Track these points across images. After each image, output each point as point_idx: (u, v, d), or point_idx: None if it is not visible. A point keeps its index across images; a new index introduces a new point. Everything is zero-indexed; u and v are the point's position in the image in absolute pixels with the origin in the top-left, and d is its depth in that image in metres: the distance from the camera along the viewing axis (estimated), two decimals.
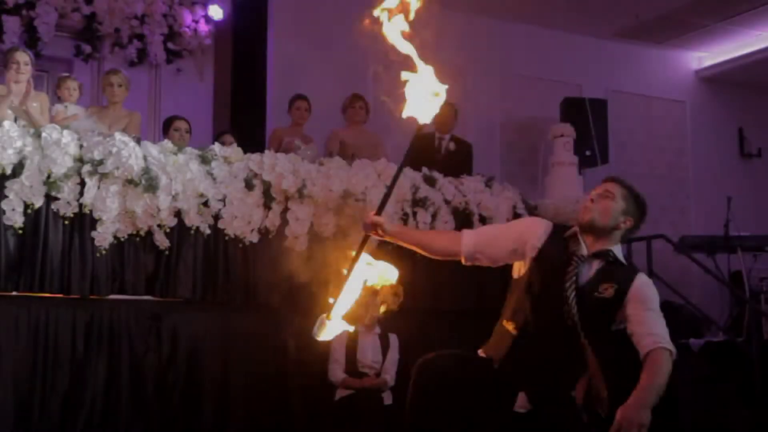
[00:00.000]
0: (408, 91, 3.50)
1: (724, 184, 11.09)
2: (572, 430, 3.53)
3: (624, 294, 3.49)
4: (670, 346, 3.51)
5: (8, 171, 5.71)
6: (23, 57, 7.03)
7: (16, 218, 5.73)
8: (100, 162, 5.94)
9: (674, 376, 7.89)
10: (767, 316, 9.14)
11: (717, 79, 11.92)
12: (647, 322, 3.51)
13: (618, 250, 3.63)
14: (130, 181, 6.01)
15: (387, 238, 3.77)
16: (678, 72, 11.96)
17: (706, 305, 10.10)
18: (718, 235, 10.03)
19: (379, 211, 3.75)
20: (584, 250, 3.58)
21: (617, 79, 11.13)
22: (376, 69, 7.36)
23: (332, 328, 3.56)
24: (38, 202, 5.80)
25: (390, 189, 3.98)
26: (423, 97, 3.48)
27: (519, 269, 3.69)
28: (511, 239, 3.73)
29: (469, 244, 3.73)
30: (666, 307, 9.34)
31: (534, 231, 3.71)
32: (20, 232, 5.76)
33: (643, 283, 3.57)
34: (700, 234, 10.37)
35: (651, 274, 9.43)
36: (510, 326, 3.60)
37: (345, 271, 3.61)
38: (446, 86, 3.49)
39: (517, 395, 3.53)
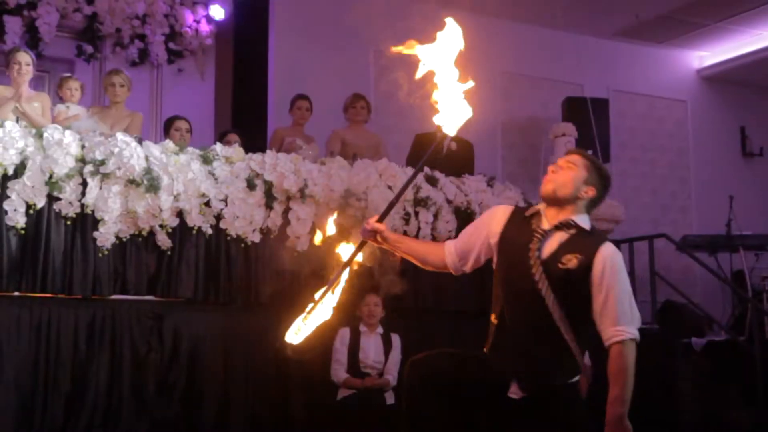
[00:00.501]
0: (439, 98, 3.38)
1: (725, 184, 11.09)
2: (566, 416, 3.44)
3: (589, 264, 3.37)
4: (633, 332, 3.35)
5: (10, 171, 5.73)
6: (25, 57, 7.05)
7: (18, 218, 5.74)
8: (102, 162, 5.95)
9: (676, 375, 7.98)
10: None
11: (718, 79, 11.92)
12: (610, 303, 3.34)
13: (582, 220, 3.52)
14: (131, 182, 6.02)
15: (384, 246, 3.75)
16: (679, 71, 11.95)
17: (709, 304, 10.12)
18: (720, 234, 10.05)
19: (382, 218, 3.71)
20: (545, 225, 3.53)
21: (619, 78, 11.12)
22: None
23: (306, 329, 3.48)
24: (40, 203, 5.81)
25: (397, 198, 3.91)
26: (452, 108, 3.37)
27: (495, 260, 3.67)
28: (481, 235, 3.71)
29: (451, 253, 3.74)
30: (668, 307, 9.46)
31: (496, 217, 3.70)
32: (22, 232, 5.77)
33: (608, 252, 3.40)
34: (702, 233, 10.38)
35: (653, 273, 9.50)
36: (492, 317, 3.60)
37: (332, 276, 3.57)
38: (470, 110, 3.41)
39: (508, 383, 3.46)
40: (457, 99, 3.37)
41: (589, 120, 9.65)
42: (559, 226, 3.49)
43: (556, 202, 3.54)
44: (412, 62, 3.44)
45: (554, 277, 3.39)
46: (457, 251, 3.73)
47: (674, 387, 7.90)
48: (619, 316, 3.33)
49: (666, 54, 11.79)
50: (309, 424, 6.29)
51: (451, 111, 3.37)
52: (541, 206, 3.62)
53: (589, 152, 8.94)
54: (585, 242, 3.43)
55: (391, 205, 3.81)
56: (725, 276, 10.14)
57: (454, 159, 8.17)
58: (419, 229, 7.05)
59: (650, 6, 10.31)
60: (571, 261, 3.38)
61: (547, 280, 3.38)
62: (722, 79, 11.90)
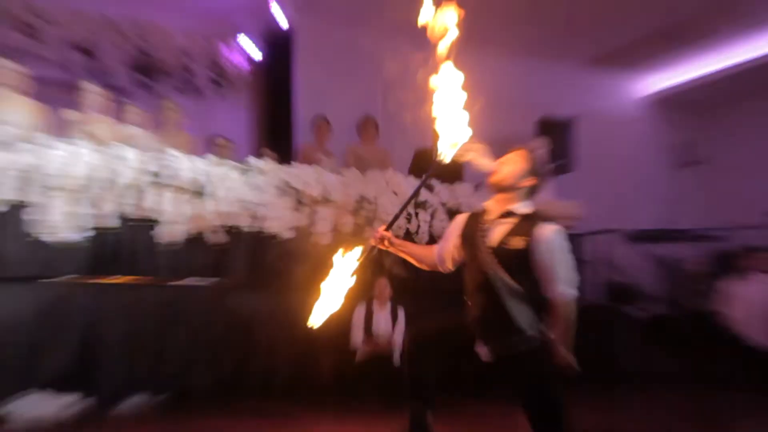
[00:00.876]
0: (439, 126, 3.51)
1: (670, 187, 11.37)
2: (531, 372, 3.49)
3: (533, 242, 3.45)
4: (572, 292, 3.46)
5: (84, 181, 5.86)
6: (93, 87, 7.17)
7: (92, 221, 5.91)
8: (158, 173, 6.15)
9: (619, 336, 8.07)
10: (699, 294, 9.38)
11: (665, 100, 12.00)
12: (551, 269, 3.45)
13: (524, 206, 3.61)
14: (183, 189, 6.22)
15: (391, 249, 3.85)
16: (629, 95, 12.08)
17: (652, 284, 10.38)
18: (662, 228, 10.33)
19: (389, 227, 3.83)
20: (491, 217, 3.63)
21: (583, 100, 11.12)
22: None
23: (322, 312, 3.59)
24: (109, 207, 5.98)
25: (400, 211, 4.00)
26: (449, 140, 3.49)
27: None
28: (449, 242, 3.84)
29: (439, 255, 3.89)
30: (615, 286, 9.55)
31: (456, 225, 3.84)
32: (104, 232, 5.95)
33: (547, 231, 3.47)
34: (650, 228, 10.61)
35: (610, 260, 9.67)
36: (468, 298, 3.70)
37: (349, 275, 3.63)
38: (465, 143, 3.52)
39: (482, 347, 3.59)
40: (455, 124, 3.48)
41: (558, 135, 9.73)
42: (501, 216, 3.60)
43: (501, 190, 3.64)
44: (414, 86, 3.63)
45: (505, 259, 3.50)
46: (438, 255, 3.88)
47: (617, 345, 8.08)
48: (560, 280, 3.45)
49: (622, 80, 11.87)
50: (334, 379, 6.39)
51: (449, 137, 3.48)
52: (488, 202, 3.73)
53: (557, 162, 9.18)
54: (528, 226, 3.51)
55: (395, 217, 3.92)
56: (664, 262, 10.42)
57: (447, 169, 8.31)
58: (419, 226, 7.21)
59: (609, 40, 10.39)
60: (519, 243, 3.48)
61: (499, 263, 3.50)
62: (669, 101, 11.96)
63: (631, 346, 8.47)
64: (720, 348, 7.71)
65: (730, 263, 9.16)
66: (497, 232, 3.58)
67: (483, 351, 3.59)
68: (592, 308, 8.21)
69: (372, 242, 3.79)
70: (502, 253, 3.52)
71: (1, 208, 5.65)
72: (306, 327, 3.59)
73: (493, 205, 3.69)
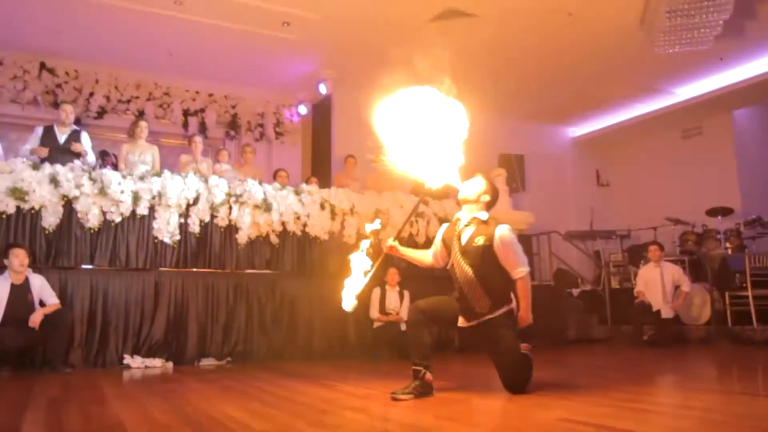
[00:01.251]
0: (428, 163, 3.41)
1: (589, 200, 11.05)
2: (497, 334, 3.37)
3: (491, 239, 3.36)
4: (526, 269, 3.39)
5: (191, 201, 5.76)
6: (198, 138, 7.15)
7: (195, 228, 5.77)
8: (240, 195, 5.95)
9: (563, 309, 8.03)
10: (614, 275, 9.27)
11: (583, 141, 11.76)
12: (510, 257, 3.37)
13: (482, 215, 3.48)
14: (256, 206, 6.02)
15: (398, 255, 3.67)
16: (562, 138, 11.80)
17: (581, 270, 10.03)
18: (587, 230, 10.06)
19: (396, 237, 3.67)
20: (461, 224, 3.52)
21: (528, 143, 10.96)
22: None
23: (350, 299, 3.37)
24: (207, 219, 5.84)
25: (403, 225, 4.03)
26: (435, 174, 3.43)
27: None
28: (437, 245, 3.66)
29: (433, 256, 3.69)
30: (558, 271, 9.44)
31: (440, 233, 3.69)
32: (197, 235, 5.79)
33: (501, 230, 3.39)
34: (577, 229, 10.30)
35: (550, 253, 9.49)
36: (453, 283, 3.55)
37: (366, 273, 3.43)
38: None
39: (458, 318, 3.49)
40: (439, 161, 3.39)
41: (513, 166, 9.63)
42: (468, 223, 3.49)
43: (467, 202, 3.53)
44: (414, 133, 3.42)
45: (473, 254, 3.38)
46: (433, 256, 3.69)
47: (562, 316, 7.87)
48: (516, 262, 3.38)
49: (554, 128, 11.64)
50: (357, 342, 6.22)
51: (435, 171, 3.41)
52: (459, 213, 3.59)
53: (513, 185, 8.98)
54: (486, 228, 3.42)
55: (399, 231, 3.86)
56: (590, 253, 10.14)
57: (437, 191, 8.04)
58: (418, 230, 6.92)
59: (546, 102, 10.19)
60: (481, 240, 3.38)
61: (469, 257, 3.39)
62: (585, 142, 11.74)
63: (573, 317, 8.27)
64: (633, 314, 7.34)
65: (636, 253, 9.04)
66: (466, 235, 3.46)
67: (462, 321, 3.46)
68: (544, 288, 7.97)
69: (386, 251, 3.60)
70: (470, 249, 3.41)
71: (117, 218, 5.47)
72: (337, 306, 3.36)
73: (463, 215, 3.56)
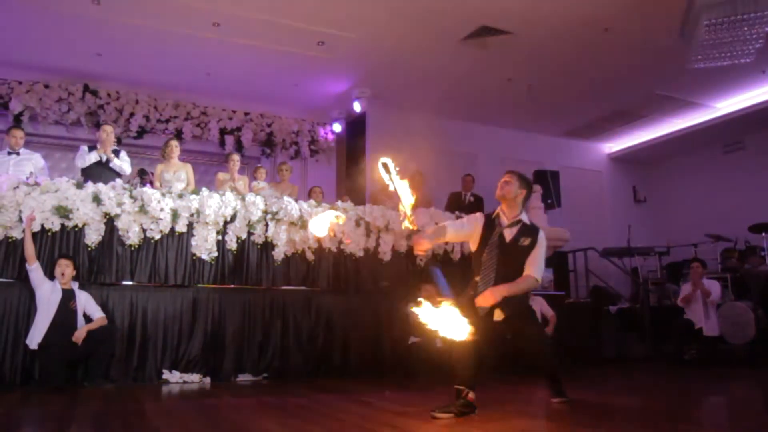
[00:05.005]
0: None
1: (626, 217, 10.90)
2: (527, 321, 3.66)
3: (535, 242, 3.59)
4: (539, 275, 3.59)
5: (228, 219, 5.78)
6: (235, 157, 7.17)
7: (232, 245, 5.78)
8: (276, 212, 5.97)
9: (600, 327, 7.93)
10: (652, 292, 9.00)
11: (620, 158, 11.70)
12: (535, 260, 3.59)
13: (524, 217, 3.68)
14: (292, 223, 6.02)
15: (428, 246, 3.67)
16: (598, 154, 11.73)
17: (618, 287, 9.88)
18: (624, 246, 9.91)
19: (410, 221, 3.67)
20: (505, 222, 3.66)
21: (564, 159, 10.97)
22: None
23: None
24: (243, 236, 5.85)
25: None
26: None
27: (474, 245, 3.72)
28: (473, 227, 3.72)
29: (465, 237, 3.77)
30: (595, 289, 9.30)
31: (478, 221, 3.74)
32: (234, 252, 5.80)
33: (543, 236, 3.65)
34: (614, 246, 10.15)
35: (587, 270, 9.36)
36: (476, 278, 3.64)
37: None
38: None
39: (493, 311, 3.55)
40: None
41: (548, 182, 9.56)
42: (513, 223, 3.65)
43: (506, 200, 3.68)
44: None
45: (512, 251, 3.58)
46: (466, 237, 3.76)
47: (599, 334, 7.73)
48: (538, 267, 3.60)
49: (590, 144, 11.58)
50: (392, 359, 6.13)
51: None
52: (499, 208, 3.74)
53: (548, 201, 8.90)
54: (531, 230, 3.64)
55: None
56: (627, 270, 9.97)
57: (471, 206, 8.04)
58: (453, 247, 6.86)
59: (581, 119, 10.20)
60: (527, 241, 3.59)
61: (511, 255, 3.58)
62: (622, 158, 11.67)
63: (610, 335, 8.14)
64: (674, 332, 7.17)
65: (676, 270, 8.86)
66: (509, 233, 3.63)
67: (497, 314, 3.55)
68: (581, 306, 7.85)
69: (416, 250, 3.72)
70: (513, 247, 3.59)
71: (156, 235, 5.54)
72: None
73: (502, 212, 3.72)
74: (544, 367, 3.71)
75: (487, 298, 3.45)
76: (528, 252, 3.57)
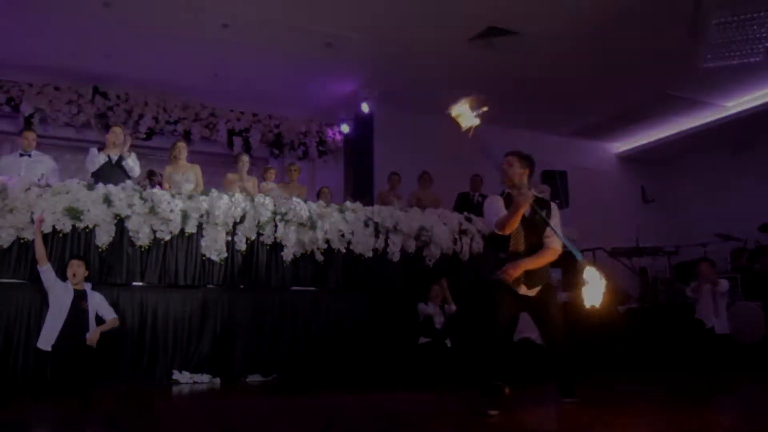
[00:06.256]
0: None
1: (634, 217, 10.85)
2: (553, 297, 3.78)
3: (549, 212, 3.67)
4: (559, 246, 3.64)
5: (237, 220, 5.80)
6: (244, 157, 7.18)
7: (242, 245, 5.80)
8: (285, 213, 5.98)
9: (610, 326, 7.88)
10: (661, 292, 8.99)
11: (628, 157, 11.68)
12: (554, 234, 3.61)
13: (533, 191, 3.68)
14: (301, 224, 6.03)
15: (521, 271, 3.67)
16: (606, 154, 11.72)
17: (628, 286, 9.82)
18: (633, 246, 9.87)
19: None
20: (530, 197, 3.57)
21: (572, 159, 10.87)
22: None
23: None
24: (253, 236, 5.86)
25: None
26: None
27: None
28: (502, 207, 3.70)
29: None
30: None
31: (500, 199, 3.77)
32: (243, 253, 5.82)
33: (555, 206, 3.78)
34: (623, 245, 10.10)
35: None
36: (501, 254, 3.71)
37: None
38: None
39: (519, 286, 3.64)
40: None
41: (557, 182, 9.54)
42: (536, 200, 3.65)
43: (512, 183, 3.71)
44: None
45: (533, 226, 3.63)
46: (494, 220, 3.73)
47: (610, 333, 7.69)
48: (554, 239, 3.64)
49: (597, 144, 11.56)
50: (402, 356, 6.07)
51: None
52: (507, 190, 3.77)
53: (556, 201, 8.88)
54: (543, 202, 3.75)
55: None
56: (636, 270, 9.92)
57: (480, 207, 8.02)
58: (462, 247, 6.84)
59: (588, 118, 10.18)
60: (543, 212, 3.62)
61: (530, 228, 3.64)
62: (630, 158, 11.65)
63: (621, 333, 8.04)
64: (684, 331, 7.14)
65: (685, 270, 8.81)
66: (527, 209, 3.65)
67: (524, 289, 3.63)
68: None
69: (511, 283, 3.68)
70: (532, 221, 3.63)
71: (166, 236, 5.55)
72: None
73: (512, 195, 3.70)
74: (561, 355, 3.65)
75: (509, 272, 3.52)
76: (545, 224, 3.60)
